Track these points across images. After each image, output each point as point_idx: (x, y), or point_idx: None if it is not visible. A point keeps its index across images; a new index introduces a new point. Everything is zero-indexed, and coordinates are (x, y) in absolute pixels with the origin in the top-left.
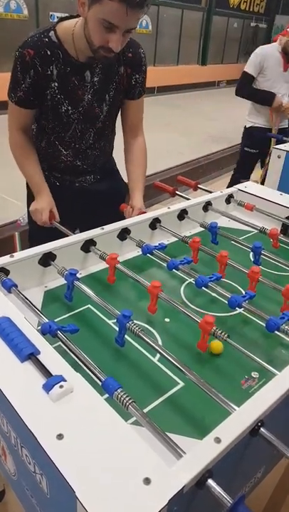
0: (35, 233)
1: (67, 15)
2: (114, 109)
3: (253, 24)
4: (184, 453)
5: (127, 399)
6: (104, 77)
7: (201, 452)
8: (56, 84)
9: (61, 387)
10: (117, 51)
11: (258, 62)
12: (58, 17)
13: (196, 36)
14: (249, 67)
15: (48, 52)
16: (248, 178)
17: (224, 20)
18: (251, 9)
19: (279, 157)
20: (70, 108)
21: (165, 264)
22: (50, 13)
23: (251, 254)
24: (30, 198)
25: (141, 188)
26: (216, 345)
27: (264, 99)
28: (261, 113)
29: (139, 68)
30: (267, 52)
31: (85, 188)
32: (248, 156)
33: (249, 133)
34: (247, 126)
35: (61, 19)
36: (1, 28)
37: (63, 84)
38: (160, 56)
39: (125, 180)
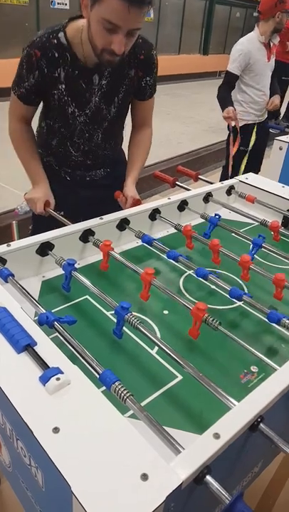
0: (38, 225)
1: (67, 4)
2: (124, 110)
3: (255, 14)
4: (183, 448)
5: (124, 392)
6: (113, 79)
7: (199, 448)
8: (63, 86)
9: (58, 379)
10: (120, 53)
11: (244, 61)
12: (58, 3)
13: (198, 25)
14: (234, 68)
15: (56, 55)
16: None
17: (226, 10)
18: None
19: (281, 149)
20: (76, 110)
21: (164, 256)
22: None
23: (251, 246)
24: None
25: (134, 175)
26: None
27: (221, 105)
28: (249, 111)
29: (151, 71)
30: (251, 48)
31: (95, 182)
32: (242, 154)
33: (242, 131)
34: (240, 125)
35: (71, 18)
36: (1, 14)
37: (71, 86)
38: (162, 45)
39: None
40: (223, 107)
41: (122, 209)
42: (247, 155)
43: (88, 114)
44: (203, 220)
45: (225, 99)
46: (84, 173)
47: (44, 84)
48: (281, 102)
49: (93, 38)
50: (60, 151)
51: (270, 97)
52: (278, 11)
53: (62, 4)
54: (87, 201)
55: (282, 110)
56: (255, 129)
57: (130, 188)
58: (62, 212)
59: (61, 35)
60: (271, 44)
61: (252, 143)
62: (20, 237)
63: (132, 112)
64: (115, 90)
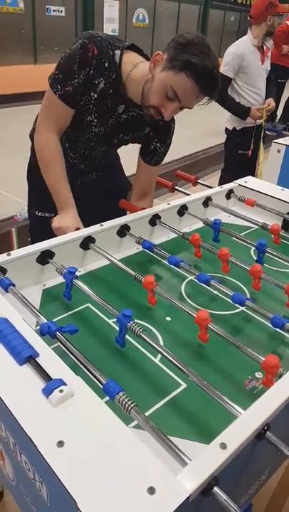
0: (36, 229)
1: (62, 11)
2: (127, 143)
3: (249, 17)
4: (189, 459)
5: (129, 403)
6: (131, 123)
7: (206, 459)
8: (95, 96)
9: (61, 391)
10: (168, 120)
11: (237, 64)
12: (53, 10)
13: (192, 30)
14: (227, 71)
15: (106, 65)
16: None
17: (221, 14)
18: (248, 2)
19: (279, 151)
20: (96, 121)
21: (165, 261)
22: (47, 6)
23: (252, 250)
24: (31, 193)
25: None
26: None
27: (239, 112)
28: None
29: (163, 140)
30: (243, 51)
31: (86, 185)
32: (242, 157)
33: (241, 135)
34: (238, 129)
35: (132, 46)
36: None
37: (100, 100)
38: (157, 49)
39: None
40: (244, 114)
41: (118, 213)
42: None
43: (102, 131)
44: (203, 225)
45: (238, 105)
46: (75, 176)
47: (87, 85)
48: (277, 104)
49: (150, 93)
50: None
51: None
52: (270, 15)
53: (58, 11)
54: (82, 205)
55: (279, 113)
56: (254, 132)
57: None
58: None
59: (118, 52)
60: (264, 47)
61: (261, 147)
62: (19, 244)
63: (136, 174)
64: (126, 130)
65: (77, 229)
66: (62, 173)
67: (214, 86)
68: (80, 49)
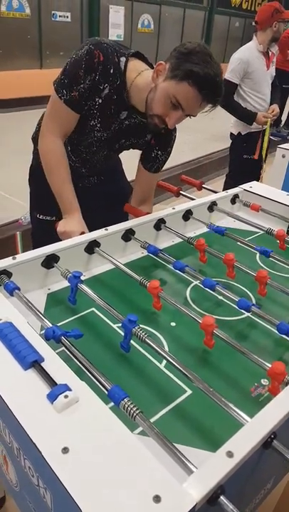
0: (38, 232)
1: (68, 17)
2: (128, 149)
3: (254, 23)
4: (195, 467)
5: (134, 409)
6: (133, 130)
7: (213, 467)
8: (100, 101)
9: (66, 397)
10: (171, 128)
11: (242, 70)
12: (59, 16)
13: (197, 35)
14: (233, 76)
15: (111, 71)
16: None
17: (226, 20)
18: (253, 8)
19: (283, 156)
20: (99, 126)
21: (170, 266)
22: (52, 11)
23: (258, 255)
24: (33, 196)
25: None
26: None
27: (245, 117)
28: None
29: (165, 148)
30: (249, 57)
31: (87, 189)
32: (248, 162)
33: (246, 140)
34: (243, 134)
35: (137, 53)
36: (3, 27)
37: (104, 105)
38: (162, 55)
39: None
40: (250, 119)
41: (120, 217)
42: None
43: (104, 136)
44: (207, 230)
45: (244, 110)
46: (76, 180)
47: (92, 91)
48: (282, 110)
49: (153, 103)
50: None
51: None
52: (275, 21)
53: (64, 17)
54: (83, 209)
55: (283, 118)
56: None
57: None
58: None
59: (123, 59)
60: (270, 53)
61: (263, 152)
62: (24, 247)
63: (135, 181)
64: (127, 136)
65: (82, 233)
66: (67, 177)
67: (217, 93)
68: (87, 55)
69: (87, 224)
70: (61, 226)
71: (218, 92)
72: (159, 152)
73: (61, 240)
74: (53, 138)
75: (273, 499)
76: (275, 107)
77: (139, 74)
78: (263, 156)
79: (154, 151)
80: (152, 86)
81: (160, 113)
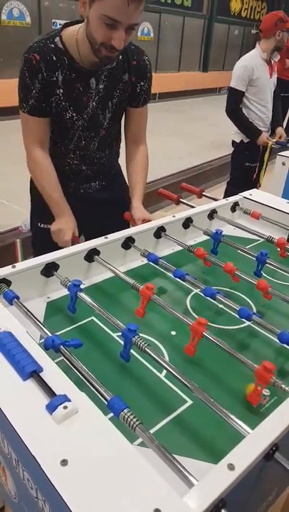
0: (39, 241)
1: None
2: (118, 117)
3: (253, 31)
4: (196, 480)
5: (134, 420)
6: (109, 84)
7: (213, 480)
8: (61, 90)
9: (65, 407)
10: (120, 49)
11: (247, 77)
12: (60, 24)
13: (197, 43)
14: (238, 84)
15: (54, 58)
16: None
17: (225, 28)
18: (252, 16)
19: (284, 164)
20: (74, 115)
21: (170, 274)
22: (53, 20)
23: (256, 264)
24: (35, 204)
25: (139, 195)
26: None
27: (249, 133)
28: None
29: (144, 76)
30: (253, 64)
31: (89, 195)
32: (249, 170)
33: (248, 148)
34: (245, 142)
35: (66, 24)
36: (4, 36)
37: (68, 90)
38: (162, 63)
39: None
40: (253, 135)
41: (121, 224)
42: (255, 171)
43: (86, 119)
44: (207, 237)
45: (250, 125)
46: (78, 184)
47: (47, 89)
48: (283, 117)
49: (93, 34)
50: (56, 155)
51: (272, 113)
52: (279, 30)
53: None
54: (84, 216)
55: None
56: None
57: (139, 210)
58: (82, 237)
59: (57, 39)
60: (272, 61)
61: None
62: (24, 255)
63: (125, 123)
64: (110, 95)
65: (74, 234)
66: (54, 182)
67: None
68: (25, 64)
69: (87, 230)
70: (54, 225)
71: None
72: (141, 83)
73: (62, 248)
74: (34, 153)
75: (276, 511)
76: (282, 133)
77: (77, 35)
78: (263, 169)
79: (137, 85)
80: (85, 21)
81: (103, 39)
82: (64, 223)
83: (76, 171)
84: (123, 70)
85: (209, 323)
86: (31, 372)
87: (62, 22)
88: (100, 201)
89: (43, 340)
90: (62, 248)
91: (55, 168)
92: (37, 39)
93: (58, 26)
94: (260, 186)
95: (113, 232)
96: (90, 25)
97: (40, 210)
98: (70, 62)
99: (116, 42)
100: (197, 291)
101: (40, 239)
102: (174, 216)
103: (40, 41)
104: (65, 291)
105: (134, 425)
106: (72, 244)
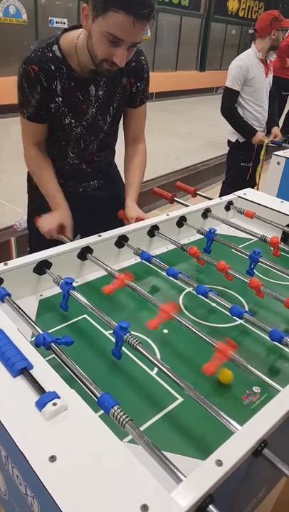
0: (35, 238)
1: (65, 23)
2: (117, 119)
3: (251, 31)
4: (184, 476)
5: (123, 417)
6: (109, 89)
7: (201, 476)
8: (60, 98)
9: (54, 404)
10: (122, 66)
11: (242, 76)
12: (56, 22)
13: (194, 43)
14: (234, 84)
15: (52, 68)
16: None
17: (222, 27)
18: (249, 16)
19: (278, 164)
20: (73, 121)
21: (163, 273)
22: (50, 18)
23: (249, 262)
24: (31, 204)
25: (134, 194)
26: (227, 375)
27: (245, 132)
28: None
29: (141, 76)
30: (248, 64)
31: (87, 194)
32: (244, 170)
33: (244, 147)
34: (241, 141)
35: (65, 30)
36: (0, 33)
37: (68, 98)
38: (159, 62)
39: None
40: (248, 135)
41: (119, 223)
42: (250, 171)
43: (85, 126)
44: (201, 236)
45: (245, 125)
46: (77, 183)
47: (46, 98)
48: (279, 116)
49: (94, 49)
50: (55, 154)
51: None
52: (274, 29)
53: (61, 23)
54: (82, 214)
55: (280, 124)
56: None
57: (132, 208)
58: (78, 236)
59: (55, 48)
60: (268, 61)
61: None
62: (18, 253)
63: (124, 123)
64: (110, 100)
65: (62, 225)
66: (49, 178)
67: (144, 4)
68: (24, 75)
69: (85, 227)
70: (41, 218)
71: (144, 2)
72: (138, 83)
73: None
74: (30, 149)
75: (267, 507)
76: (278, 133)
77: (76, 43)
78: (259, 168)
79: (134, 86)
80: (87, 34)
81: (105, 56)
82: (54, 214)
83: (76, 170)
84: (122, 73)
85: (201, 322)
86: (21, 369)
87: (59, 20)
88: (98, 199)
89: (34, 339)
90: (56, 246)
91: (54, 167)
92: (34, 48)
93: (55, 24)
94: (257, 187)
95: (111, 228)
96: (92, 39)
97: (38, 208)
98: (68, 71)
99: (118, 60)
100: (190, 289)
101: (36, 237)
102: (167, 215)
103: (37, 50)
104: (57, 289)
105: (124, 422)
106: (60, 235)
